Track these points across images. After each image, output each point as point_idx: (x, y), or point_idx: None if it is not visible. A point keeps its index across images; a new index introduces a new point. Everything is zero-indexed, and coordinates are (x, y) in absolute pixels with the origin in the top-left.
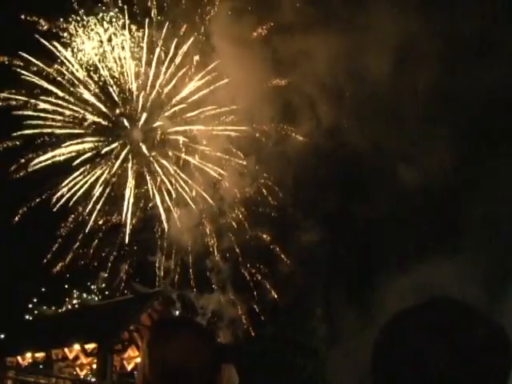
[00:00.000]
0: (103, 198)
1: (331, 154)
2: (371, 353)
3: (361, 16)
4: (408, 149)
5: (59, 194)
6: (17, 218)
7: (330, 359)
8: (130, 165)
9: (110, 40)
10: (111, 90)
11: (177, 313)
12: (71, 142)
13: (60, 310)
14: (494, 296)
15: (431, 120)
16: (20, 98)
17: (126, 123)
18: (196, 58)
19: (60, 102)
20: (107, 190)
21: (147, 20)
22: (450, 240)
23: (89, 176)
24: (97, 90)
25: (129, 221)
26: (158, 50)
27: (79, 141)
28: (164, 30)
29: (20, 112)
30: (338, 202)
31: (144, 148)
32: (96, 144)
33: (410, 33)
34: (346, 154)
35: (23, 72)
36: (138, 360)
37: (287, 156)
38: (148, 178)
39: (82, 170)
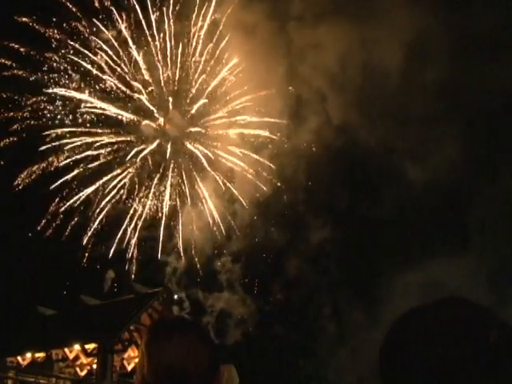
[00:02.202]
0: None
1: (341, 152)
2: (380, 350)
3: (372, 12)
4: (416, 148)
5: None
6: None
7: (330, 359)
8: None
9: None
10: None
11: (185, 312)
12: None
13: (60, 310)
14: (499, 295)
15: (441, 120)
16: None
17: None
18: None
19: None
20: (121, 192)
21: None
22: (456, 240)
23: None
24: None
25: (141, 221)
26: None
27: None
28: (170, 19)
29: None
30: (346, 201)
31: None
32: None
33: (422, 33)
34: (355, 152)
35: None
36: None
37: (298, 155)
38: (158, 176)
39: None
